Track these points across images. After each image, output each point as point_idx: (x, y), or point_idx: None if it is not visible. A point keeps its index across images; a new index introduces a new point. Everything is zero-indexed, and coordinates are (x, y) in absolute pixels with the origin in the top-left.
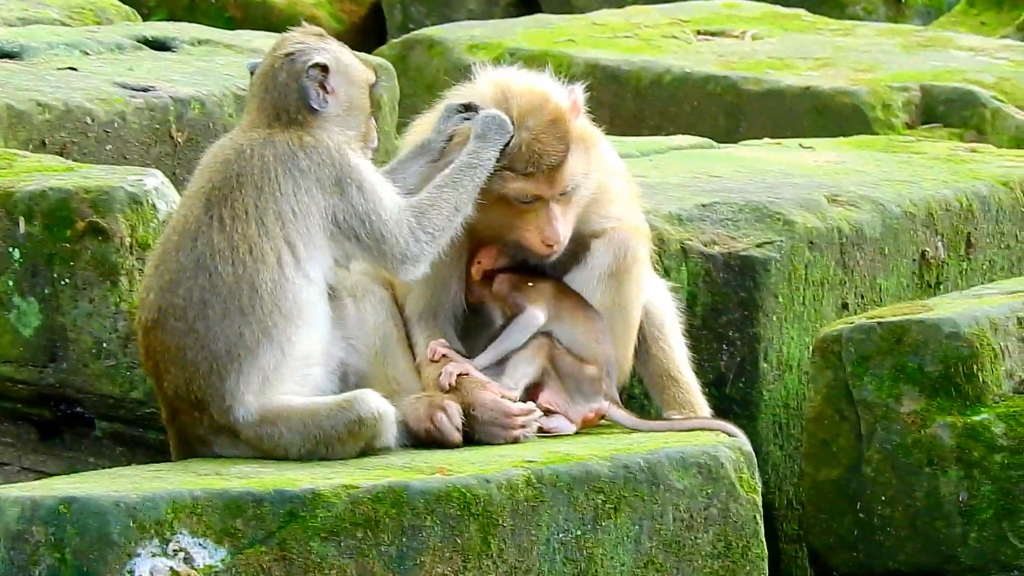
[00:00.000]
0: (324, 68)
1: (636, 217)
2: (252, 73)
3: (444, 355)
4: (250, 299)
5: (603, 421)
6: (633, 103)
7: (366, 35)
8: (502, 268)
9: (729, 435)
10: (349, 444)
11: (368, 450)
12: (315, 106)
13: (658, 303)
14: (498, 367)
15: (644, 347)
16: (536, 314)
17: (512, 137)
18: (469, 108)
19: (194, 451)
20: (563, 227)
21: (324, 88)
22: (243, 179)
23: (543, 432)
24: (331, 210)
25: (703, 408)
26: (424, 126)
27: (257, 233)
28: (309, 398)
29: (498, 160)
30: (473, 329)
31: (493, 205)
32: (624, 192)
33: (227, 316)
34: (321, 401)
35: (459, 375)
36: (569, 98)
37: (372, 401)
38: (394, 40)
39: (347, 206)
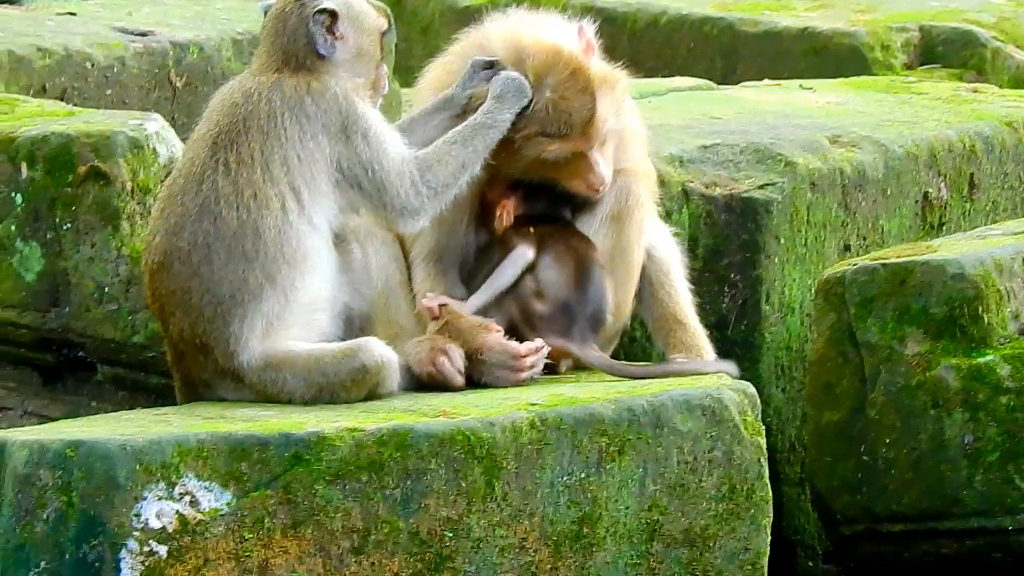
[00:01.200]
0: (333, 14)
1: (645, 160)
2: (265, 15)
3: (442, 305)
4: (254, 245)
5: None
6: (629, 45)
7: None
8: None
9: (731, 376)
10: (353, 391)
11: (372, 396)
12: (323, 51)
13: (663, 248)
14: None
15: (649, 291)
16: (524, 251)
17: (531, 101)
18: (494, 66)
19: (199, 395)
20: (606, 168)
21: (332, 33)
22: (250, 123)
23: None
24: (336, 157)
25: (709, 351)
26: (438, 74)
27: (262, 179)
28: (314, 344)
29: (520, 121)
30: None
31: (533, 164)
32: (641, 133)
33: (231, 261)
34: (326, 348)
35: (459, 317)
36: (581, 40)
37: (376, 349)
38: None
39: (351, 154)
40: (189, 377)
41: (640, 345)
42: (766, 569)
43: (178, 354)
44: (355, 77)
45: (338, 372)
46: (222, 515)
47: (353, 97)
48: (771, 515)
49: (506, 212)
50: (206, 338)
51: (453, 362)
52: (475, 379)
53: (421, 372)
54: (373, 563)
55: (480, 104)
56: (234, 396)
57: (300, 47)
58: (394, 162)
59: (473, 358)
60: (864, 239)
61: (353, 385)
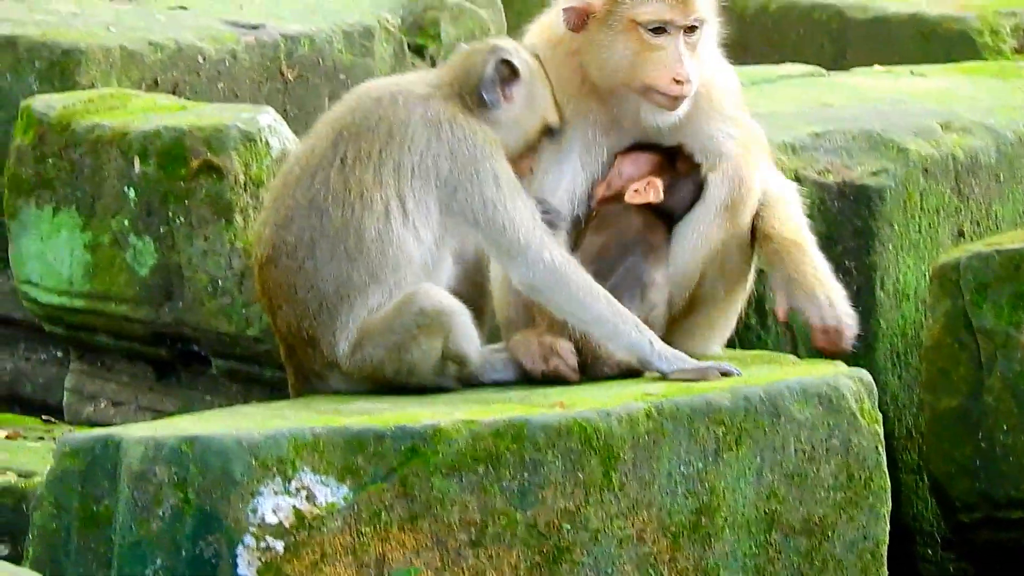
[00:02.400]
0: (515, 71)
1: (746, 123)
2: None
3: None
4: (356, 244)
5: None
6: (738, 31)
7: None
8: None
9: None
10: (424, 342)
11: (449, 354)
12: (486, 97)
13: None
14: None
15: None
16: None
17: None
18: None
19: (312, 387)
20: (691, 65)
21: (504, 89)
22: (381, 124)
23: None
24: (453, 186)
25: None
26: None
27: (372, 179)
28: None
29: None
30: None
31: (619, 41)
32: (735, 90)
33: (334, 258)
34: (388, 306)
35: None
36: None
37: (432, 292)
38: None
39: (473, 190)
40: (301, 370)
41: (755, 332)
42: (885, 557)
43: (288, 347)
44: (504, 141)
45: (404, 323)
46: (339, 509)
47: (493, 147)
48: (889, 503)
49: (653, 189)
50: (312, 331)
51: (566, 360)
52: (585, 371)
53: (535, 370)
54: (491, 555)
55: None
56: (345, 387)
57: (469, 83)
58: (522, 214)
59: (582, 350)
60: (978, 225)
61: (421, 333)
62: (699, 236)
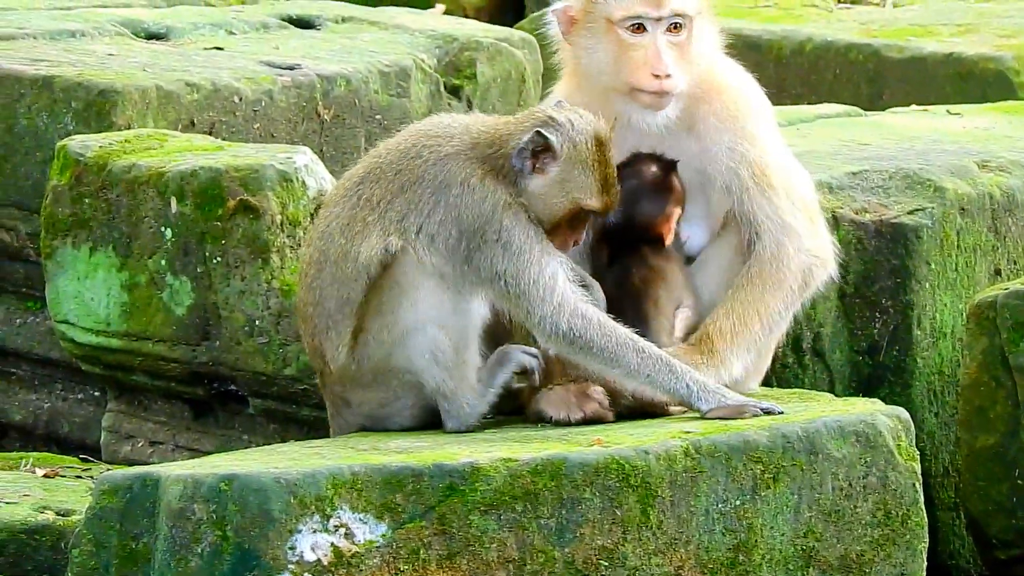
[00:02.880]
0: (548, 147)
1: (764, 145)
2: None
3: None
4: (351, 268)
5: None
6: (775, 72)
7: (504, 9)
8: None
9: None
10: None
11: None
12: (514, 163)
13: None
14: None
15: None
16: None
17: None
18: None
19: (340, 415)
20: (670, 58)
21: (535, 159)
22: (398, 176)
23: None
24: (465, 248)
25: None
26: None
27: (375, 221)
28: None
29: None
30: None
31: (600, 43)
32: (750, 100)
33: (335, 281)
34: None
35: None
36: None
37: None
38: (534, 14)
39: (489, 256)
40: (327, 393)
41: (792, 370)
42: None
43: (316, 369)
44: (533, 212)
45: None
46: (377, 547)
47: (506, 210)
48: (927, 540)
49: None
50: (319, 344)
51: (601, 402)
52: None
53: (572, 419)
54: None
55: None
56: (364, 403)
57: (506, 148)
58: (538, 275)
59: (610, 391)
60: (1015, 263)
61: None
62: (722, 274)
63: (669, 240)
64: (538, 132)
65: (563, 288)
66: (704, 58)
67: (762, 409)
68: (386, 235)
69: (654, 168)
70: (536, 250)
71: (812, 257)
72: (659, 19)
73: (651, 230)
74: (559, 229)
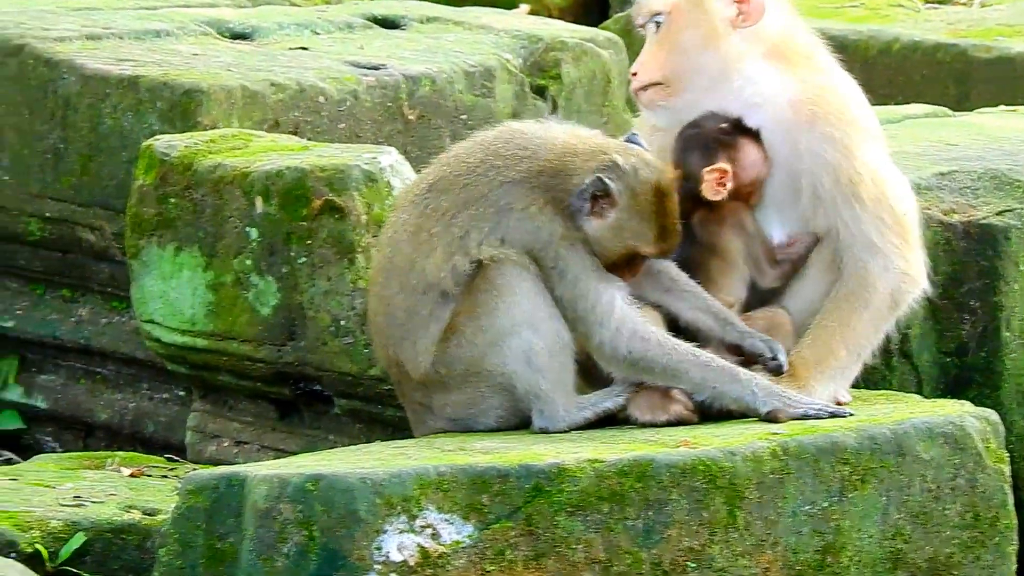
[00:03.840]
0: (607, 193)
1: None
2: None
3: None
4: (419, 281)
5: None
6: (862, 72)
7: (589, 10)
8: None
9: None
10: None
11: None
12: (572, 203)
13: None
14: None
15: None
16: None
17: None
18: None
19: (423, 420)
20: (645, 56)
21: (595, 203)
22: (464, 190)
23: None
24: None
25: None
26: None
27: (441, 232)
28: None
29: None
30: None
31: None
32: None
33: (402, 290)
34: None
35: None
36: None
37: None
38: (618, 14)
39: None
40: (406, 400)
41: (880, 372)
42: None
43: (391, 378)
44: (594, 253)
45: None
46: (464, 547)
47: (563, 240)
48: (1016, 542)
49: (727, 179)
50: (395, 354)
51: (686, 406)
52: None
53: (657, 421)
54: None
55: None
56: (449, 408)
57: (567, 181)
58: (600, 304)
59: None
60: None
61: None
62: (815, 287)
63: (715, 197)
64: (599, 179)
65: (621, 312)
66: (694, 45)
67: (829, 413)
68: (450, 253)
69: (712, 124)
70: (592, 277)
71: (901, 275)
72: (643, 25)
73: (695, 185)
74: (615, 267)
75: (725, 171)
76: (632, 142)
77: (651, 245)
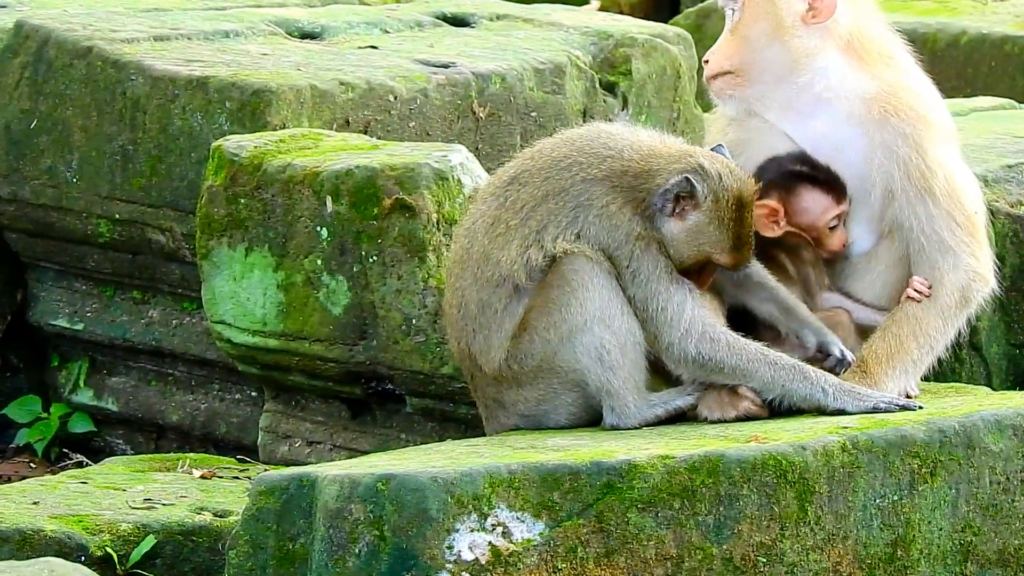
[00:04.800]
0: (692, 194)
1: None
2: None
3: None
4: (493, 273)
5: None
6: (930, 65)
7: (659, 6)
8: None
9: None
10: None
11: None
12: (656, 204)
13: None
14: None
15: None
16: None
17: None
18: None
19: (495, 416)
20: (720, 44)
21: (677, 203)
22: (545, 183)
23: None
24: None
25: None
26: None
27: (518, 225)
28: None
29: None
30: None
31: None
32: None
33: (476, 282)
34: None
35: None
36: None
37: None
38: (688, 9)
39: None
40: (479, 394)
41: (949, 365)
42: None
43: (465, 372)
44: (668, 253)
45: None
46: (535, 545)
47: (637, 241)
48: None
49: (778, 218)
50: (468, 347)
51: (754, 401)
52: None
53: (727, 418)
54: None
55: None
56: (521, 403)
57: (650, 181)
58: (671, 305)
59: None
60: None
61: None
62: (881, 283)
63: (767, 233)
64: (687, 178)
65: (691, 314)
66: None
67: (898, 406)
68: (525, 246)
69: (785, 162)
70: (664, 278)
71: (971, 273)
72: (723, 7)
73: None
74: (686, 273)
75: (776, 210)
76: (718, 153)
77: (725, 254)
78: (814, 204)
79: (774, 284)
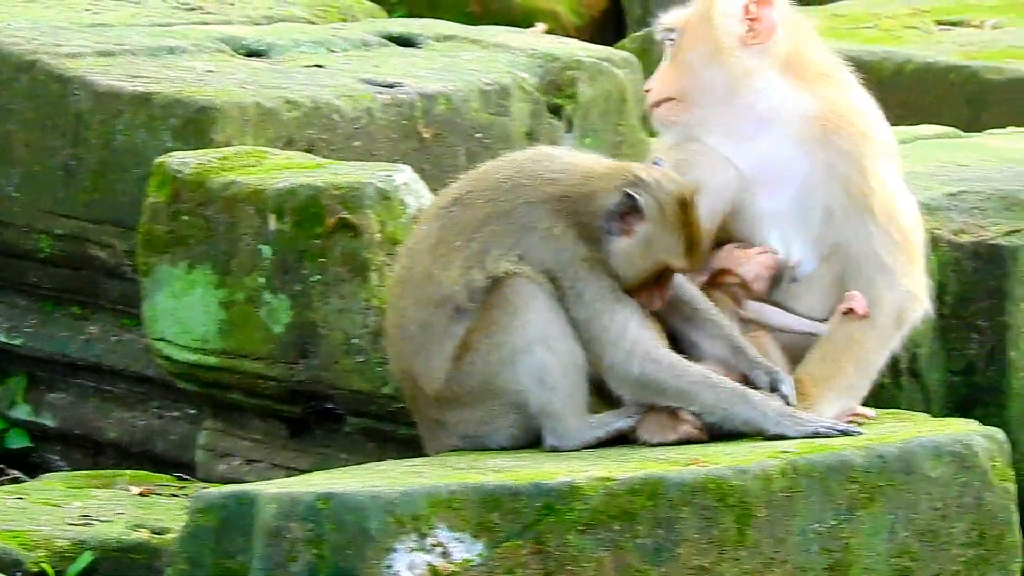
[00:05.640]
0: (636, 209)
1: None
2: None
3: None
4: (435, 294)
5: None
6: (875, 93)
7: (605, 29)
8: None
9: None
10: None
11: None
12: (605, 227)
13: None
14: None
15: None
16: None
17: None
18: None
19: (436, 437)
20: (659, 73)
21: (623, 220)
22: (487, 205)
23: None
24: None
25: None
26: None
27: (460, 246)
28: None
29: None
30: None
31: None
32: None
33: (417, 303)
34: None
35: None
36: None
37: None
38: (635, 33)
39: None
40: (419, 415)
41: (888, 390)
42: None
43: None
44: (615, 271)
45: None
46: (474, 566)
47: (584, 264)
48: (1021, 560)
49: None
50: (408, 368)
51: (694, 424)
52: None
53: (667, 441)
54: None
55: None
56: (451, 418)
57: (592, 203)
58: (614, 325)
59: None
60: None
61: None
62: (823, 304)
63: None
64: (627, 194)
65: (635, 334)
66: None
67: (839, 431)
68: (468, 267)
69: None
70: (609, 299)
71: (907, 294)
72: (661, 41)
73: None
74: (644, 287)
75: None
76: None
77: (681, 258)
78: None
79: (725, 322)
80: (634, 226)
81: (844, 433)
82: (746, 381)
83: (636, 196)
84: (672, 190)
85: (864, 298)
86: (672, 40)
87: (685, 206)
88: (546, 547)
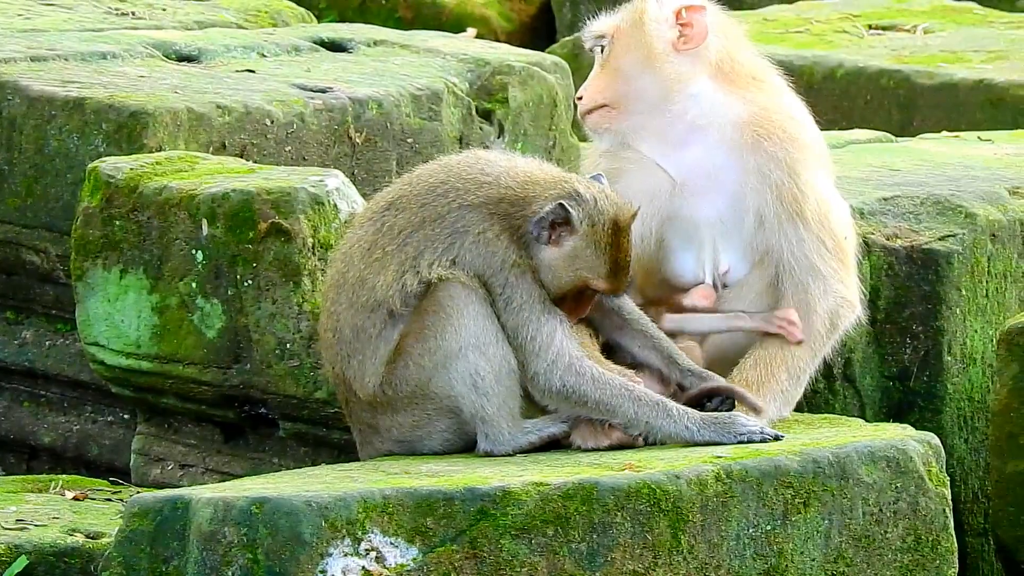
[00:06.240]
0: (567, 222)
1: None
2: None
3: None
4: (369, 298)
5: None
6: (806, 98)
7: (536, 34)
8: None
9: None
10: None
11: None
12: (532, 232)
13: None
14: None
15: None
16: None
17: None
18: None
19: (369, 441)
20: (591, 80)
21: (553, 229)
22: (421, 210)
23: None
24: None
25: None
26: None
27: (394, 251)
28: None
29: None
30: None
31: None
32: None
33: (351, 307)
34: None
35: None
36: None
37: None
38: (565, 38)
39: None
40: (353, 418)
41: (823, 396)
42: None
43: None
44: (542, 279)
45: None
46: (408, 570)
47: (513, 269)
48: (956, 566)
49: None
50: (342, 372)
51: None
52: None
53: (600, 446)
54: None
55: None
56: (385, 423)
57: (527, 208)
58: (540, 335)
59: None
60: None
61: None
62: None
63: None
64: (561, 205)
65: (559, 345)
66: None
67: (772, 436)
68: (401, 272)
69: None
70: (537, 308)
71: (839, 299)
72: (591, 49)
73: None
74: (564, 301)
75: None
76: (596, 181)
77: (602, 280)
78: None
79: (656, 332)
80: (563, 238)
81: (775, 438)
82: (682, 389)
83: (569, 209)
84: (607, 210)
85: (799, 325)
86: (602, 47)
87: (617, 229)
88: (480, 552)
